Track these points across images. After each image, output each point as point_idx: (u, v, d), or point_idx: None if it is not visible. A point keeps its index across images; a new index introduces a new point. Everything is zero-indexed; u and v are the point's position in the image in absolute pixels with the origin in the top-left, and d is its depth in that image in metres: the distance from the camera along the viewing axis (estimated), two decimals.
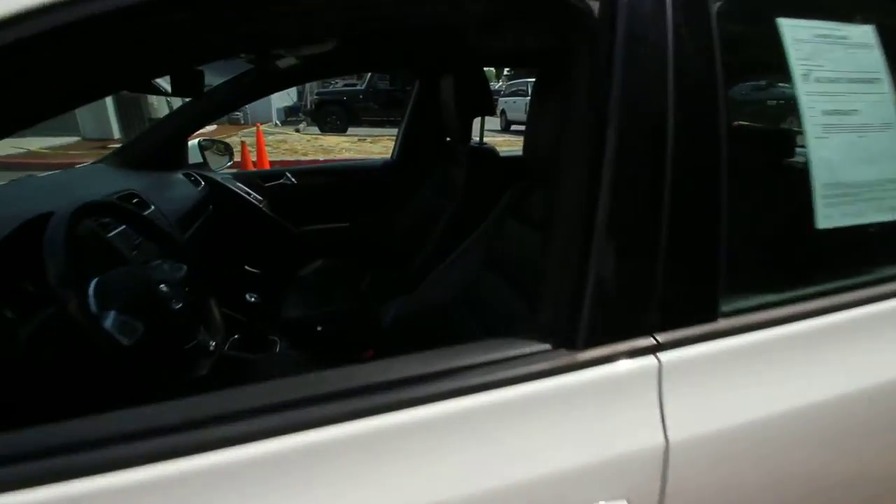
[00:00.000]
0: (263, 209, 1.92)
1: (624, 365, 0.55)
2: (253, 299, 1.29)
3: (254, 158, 6.35)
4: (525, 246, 1.01)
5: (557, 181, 0.60)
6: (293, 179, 1.99)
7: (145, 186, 1.48)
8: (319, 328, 1.33)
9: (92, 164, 1.70)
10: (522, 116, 11.49)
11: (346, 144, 8.94)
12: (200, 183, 1.76)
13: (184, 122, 1.69)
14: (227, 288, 1.92)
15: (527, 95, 11.36)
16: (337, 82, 14.63)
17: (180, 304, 0.87)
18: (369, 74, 10.90)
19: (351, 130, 10.51)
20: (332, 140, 9.47)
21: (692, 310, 0.58)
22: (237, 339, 1.36)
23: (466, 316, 1.14)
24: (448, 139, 1.87)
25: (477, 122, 1.80)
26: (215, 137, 2.33)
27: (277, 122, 12.83)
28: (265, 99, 12.29)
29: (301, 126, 11.66)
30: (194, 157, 1.93)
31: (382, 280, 1.91)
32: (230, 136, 9.56)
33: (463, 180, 1.56)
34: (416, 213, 1.90)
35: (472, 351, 0.54)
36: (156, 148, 1.68)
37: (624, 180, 0.53)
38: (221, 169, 2.02)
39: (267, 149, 7.12)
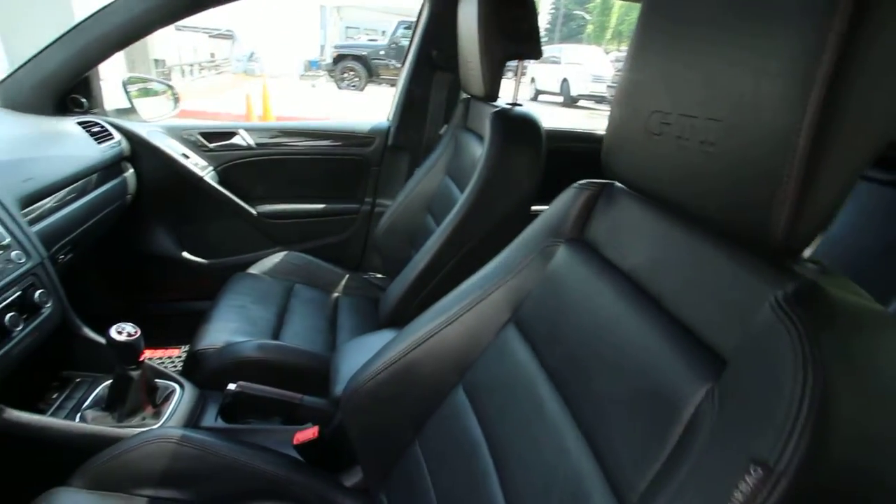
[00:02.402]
0: (207, 180, 1.40)
1: None
2: (123, 336, 0.78)
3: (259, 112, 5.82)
4: (620, 318, 0.47)
5: None
6: (249, 141, 1.45)
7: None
8: (233, 387, 0.82)
9: None
10: (554, 86, 10.63)
11: (367, 101, 8.25)
12: (111, 136, 1.24)
13: (80, 50, 1.15)
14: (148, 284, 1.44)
15: (558, 63, 10.45)
16: (360, 37, 13.79)
17: None
18: (394, 28, 10.09)
19: (368, 89, 9.82)
20: (352, 97, 8.79)
21: None
22: (103, 391, 0.87)
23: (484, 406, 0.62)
24: (467, 95, 1.30)
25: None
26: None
27: (304, 73, 12.21)
28: (286, 49, 11.81)
29: (317, 82, 11.00)
30: (117, 99, 1.41)
31: (357, 290, 1.40)
32: (238, 86, 9.00)
33: (483, 158, 1.00)
34: (413, 198, 1.36)
35: None
36: (42, 86, 1.15)
37: None
38: (160, 119, 1.50)
39: (276, 102, 6.57)
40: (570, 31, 22.82)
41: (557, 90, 10.74)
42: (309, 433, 0.81)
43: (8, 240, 0.78)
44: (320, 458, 0.81)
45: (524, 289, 0.63)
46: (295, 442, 0.80)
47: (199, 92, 7.75)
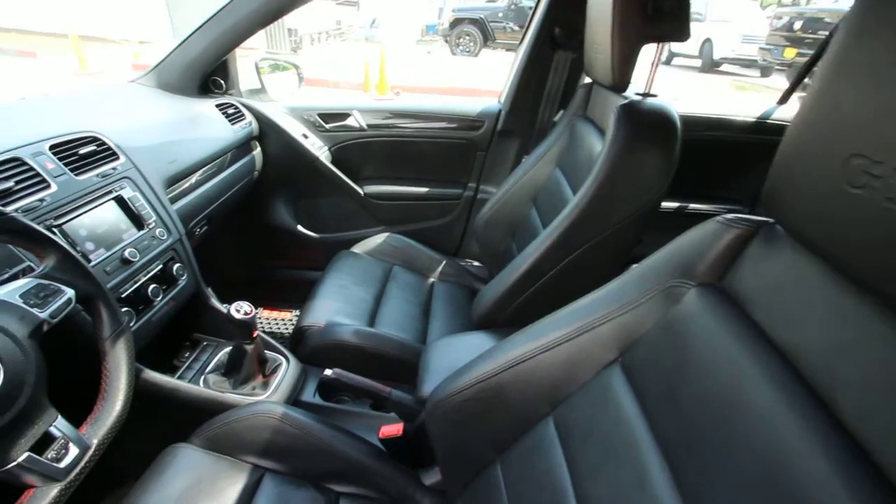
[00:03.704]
0: (322, 160, 1.46)
1: None
2: (240, 314, 0.85)
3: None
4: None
5: None
6: (361, 122, 1.48)
7: (153, 120, 1.10)
8: (329, 372, 0.86)
9: (129, 81, 1.38)
10: (692, 48, 9.36)
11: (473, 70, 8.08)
12: (243, 116, 1.35)
13: (220, 35, 1.24)
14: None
15: (701, 20, 9.13)
16: None
17: None
18: None
19: (483, 54, 9.57)
20: (465, 63, 8.68)
21: None
22: (223, 357, 0.97)
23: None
24: (589, 80, 1.16)
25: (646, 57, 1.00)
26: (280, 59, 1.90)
27: (421, 39, 12.35)
28: (405, 15, 11.97)
29: (432, 47, 11.01)
30: (250, 80, 1.52)
31: (452, 277, 1.38)
32: (359, 53, 9.35)
33: (603, 156, 0.89)
34: (519, 188, 1.28)
35: None
36: (188, 69, 1.28)
37: None
38: (285, 98, 1.59)
39: (393, 70, 6.71)
40: None
41: (696, 52, 9.44)
42: (394, 429, 0.82)
43: (154, 219, 0.89)
44: (403, 452, 0.83)
45: (637, 330, 0.55)
46: (380, 436, 0.82)
47: (322, 60, 8.21)
